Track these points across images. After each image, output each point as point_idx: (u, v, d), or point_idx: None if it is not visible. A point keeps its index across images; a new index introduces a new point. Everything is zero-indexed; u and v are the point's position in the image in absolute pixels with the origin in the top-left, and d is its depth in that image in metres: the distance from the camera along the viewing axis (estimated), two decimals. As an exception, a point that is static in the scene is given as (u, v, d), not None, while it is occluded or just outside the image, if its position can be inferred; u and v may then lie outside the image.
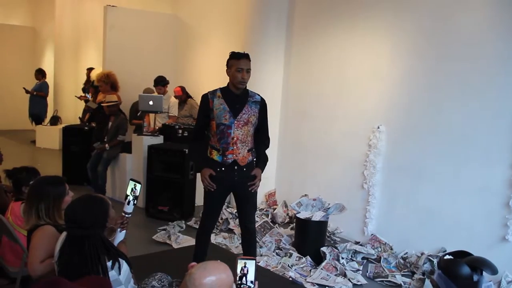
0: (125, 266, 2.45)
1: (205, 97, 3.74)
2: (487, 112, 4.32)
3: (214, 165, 3.71)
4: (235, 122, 3.64)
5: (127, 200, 2.90)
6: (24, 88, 11.00)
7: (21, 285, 3.15)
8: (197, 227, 5.52)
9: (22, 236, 3.11)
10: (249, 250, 3.93)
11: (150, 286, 2.16)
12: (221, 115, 3.64)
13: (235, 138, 3.65)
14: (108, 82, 6.94)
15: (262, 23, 6.16)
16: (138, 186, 2.90)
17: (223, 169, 3.68)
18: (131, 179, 2.96)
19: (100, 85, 7.13)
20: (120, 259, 2.43)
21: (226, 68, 3.70)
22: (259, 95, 3.81)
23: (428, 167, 4.73)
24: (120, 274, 2.40)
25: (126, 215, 2.87)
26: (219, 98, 3.68)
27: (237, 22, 6.83)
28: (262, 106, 3.78)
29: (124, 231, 2.86)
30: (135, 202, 2.91)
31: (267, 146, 3.92)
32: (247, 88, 3.75)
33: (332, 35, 5.71)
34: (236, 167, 3.68)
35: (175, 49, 8.62)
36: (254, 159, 3.80)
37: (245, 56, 3.65)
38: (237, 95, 3.68)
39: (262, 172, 3.80)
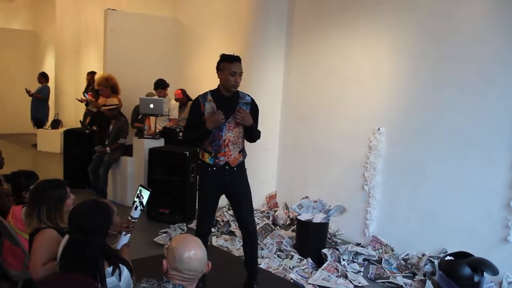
0: (125, 272, 2.45)
1: (196, 101, 3.78)
2: (488, 113, 4.32)
3: (206, 167, 3.76)
4: (227, 124, 3.67)
5: (134, 205, 2.91)
6: (26, 89, 10.99)
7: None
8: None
9: (23, 239, 3.12)
10: (251, 252, 3.93)
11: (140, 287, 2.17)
12: None
13: (226, 140, 3.69)
14: (108, 86, 6.94)
15: (262, 25, 6.17)
16: (145, 193, 2.90)
17: (214, 169, 3.73)
18: (140, 185, 2.97)
19: (100, 89, 7.14)
20: (120, 265, 2.43)
21: (216, 71, 3.71)
22: (249, 95, 3.84)
23: (429, 168, 4.74)
24: (120, 280, 2.41)
25: (132, 220, 2.88)
26: (210, 102, 3.71)
27: (237, 24, 6.84)
28: (253, 106, 3.81)
29: (129, 235, 2.87)
30: (142, 208, 2.91)
31: (258, 132, 3.90)
32: (240, 89, 3.79)
33: (332, 36, 5.73)
34: (227, 167, 3.73)
35: (175, 52, 8.63)
36: (245, 159, 3.84)
37: (237, 59, 3.67)
38: (228, 97, 3.72)
39: (251, 124, 3.71)
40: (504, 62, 4.22)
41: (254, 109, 3.81)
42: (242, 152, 3.81)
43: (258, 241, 4.65)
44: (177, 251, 2.10)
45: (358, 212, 5.28)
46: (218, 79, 3.75)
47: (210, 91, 3.78)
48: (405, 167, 4.95)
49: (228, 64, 3.63)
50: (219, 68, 3.70)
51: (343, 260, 4.63)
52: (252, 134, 3.83)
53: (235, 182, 3.77)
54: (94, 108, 7.47)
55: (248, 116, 3.68)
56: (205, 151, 3.76)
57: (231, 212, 5.77)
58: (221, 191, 3.87)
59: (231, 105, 3.69)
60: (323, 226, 4.86)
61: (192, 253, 2.09)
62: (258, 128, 3.91)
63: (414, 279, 4.38)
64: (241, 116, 3.65)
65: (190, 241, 2.17)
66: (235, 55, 3.71)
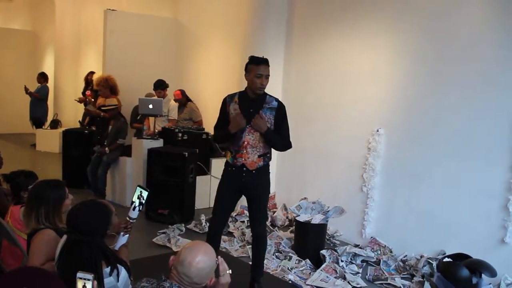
0: (123, 273, 2.45)
1: (224, 100, 3.85)
2: (486, 115, 4.33)
3: (227, 165, 3.84)
4: (248, 127, 3.68)
5: (132, 206, 2.91)
6: (25, 86, 10.96)
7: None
8: (197, 230, 5.58)
9: (22, 239, 3.11)
10: (256, 254, 3.95)
11: (141, 287, 2.17)
12: None
13: (245, 143, 3.71)
14: (107, 87, 6.94)
15: (261, 26, 6.17)
16: (145, 193, 2.91)
17: (233, 169, 3.78)
18: (139, 186, 2.97)
19: (99, 89, 7.14)
20: (119, 266, 2.43)
21: (244, 73, 3.73)
22: (277, 100, 3.81)
23: (427, 169, 4.74)
24: (118, 281, 2.41)
25: (131, 220, 2.88)
26: (235, 103, 3.75)
27: (237, 25, 6.85)
28: (279, 111, 3.77)
29: (127, 235, 2.87)
30: (141, 208, 2.92)
31: (286, 140, 3.87)
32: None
33: (331, 37, 5.73)
34: (244, 169, 3.74)
35: (175, 52, 8.63)
36: (266, 164, 3.82)
37: (264, 62, 3.67)
38: (253, 99, 3.72)
39: (266, 131, 3.68)
40: (503, 63, 4.23)
41: (279, 115, 3.77)
42: (264, 156, 3.77)
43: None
44: (183, 253, 2.10)
45: (357, 213, 5.28)
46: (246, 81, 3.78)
47: (239, 92, 3.82)
48: (403, 168, 4.95)
49: (255, 66, 3.64)
50: (246, 69, 3.71)
51: (342, 261, 4.63)
52: (269, 141, 3.77)
53: (252, 184, 3.78)
54: (93, 108, 7.46)
55: (262, 123, 3.65)
56: (229, 150, 3.84)
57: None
58: (237, 192, 3.88)
59: (255, 108, 3.70)
60: (322, 227, 4.86)
61: (195, 260, 2.07)
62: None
63: (412, 280, 4.39)
64: (255, 121, 3.65)
65: (200, 248, 2.14)
66: (263, 57, 3.70)
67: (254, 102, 3.71)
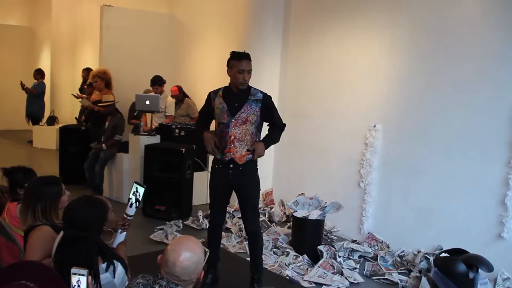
0: (119, 269, 2.45)
1: (208, 96, 3.86)
2: (483, 111, 4.33)
3: (214, 162, 3.84)
4: (233, 121, 3.68)
5: (129, 203, 2.91)
6: (21, 82, 10.91)
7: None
8: (194, 226, 5.59)
9: (18, 236, 3.10)
10: (253, 252, 3.94)
11: (136, 283, 2.17)
12: (220, 114, 3.72)
13: (232, 137, 3.70)
14: (104, 78, 6.94)
15: (258, 22, 6.16)
16: (141, 190, 2.91)
17: (220, 166, 3.78)
18: (135, 182, 2.97)
19: (95, 81, 7.07)
20: (115, 262, 2.43)
21: (226, 68, 3.71)
22: (261, 92, 3.81)
23: (424, 165, 4.75)
24: (114, 277, 2.40)
25: (128, 217, 2.88)
26: (219, 97, 3.75)
27: (233, 21, 6.83)
28: (265, 102, 3.78)
29: (125, 232, 2.87)
30: (137, 205, 2.92)
31: (282, 127, 3.93)
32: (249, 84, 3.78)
33: (328, 33, 5.72)
34: (231, 165, 3.73)
35: (171, 48, 8.61)
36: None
37: (246, 57, 3.65)
38: (237, 93, 3.72)
39: (265, 147, 3.77)
40: (500, 59, 4.23)
41: (266, 106, 3.78)
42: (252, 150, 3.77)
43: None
44: (167, 253, 2.10)
45: (354, 209, 5.29)
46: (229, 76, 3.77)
47: (223, 87, 3.81)
48: (400, 164, 4.96)
49: (237, 62, 3.63)
50: (228, 65, 3.70)
51: (339, 257, 4.64)
52: (274, 143, 3.93)
53: (239, 180, 3.77)
54: (87, 103, 7.42)
55: (259, 149, 3.71)
56: (217, 147, 3.81)
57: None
58: (226, 188, 3.86)
59: (239, 102, 3.70)
60: (319, 223, 4.87)
61: (179, 260, 2.06)
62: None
63: (410, 275, 4.39)
64: (256, 154, 3.71)
65: (183, 246, 2.12)
66: (244, 52, 3.69)
67: (238, 96, 3.71)
